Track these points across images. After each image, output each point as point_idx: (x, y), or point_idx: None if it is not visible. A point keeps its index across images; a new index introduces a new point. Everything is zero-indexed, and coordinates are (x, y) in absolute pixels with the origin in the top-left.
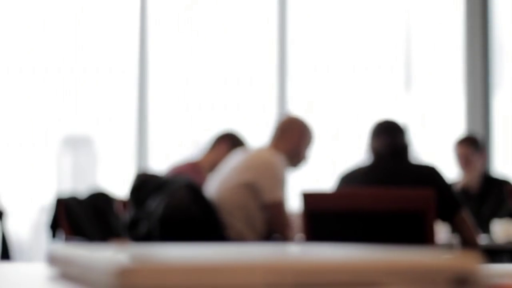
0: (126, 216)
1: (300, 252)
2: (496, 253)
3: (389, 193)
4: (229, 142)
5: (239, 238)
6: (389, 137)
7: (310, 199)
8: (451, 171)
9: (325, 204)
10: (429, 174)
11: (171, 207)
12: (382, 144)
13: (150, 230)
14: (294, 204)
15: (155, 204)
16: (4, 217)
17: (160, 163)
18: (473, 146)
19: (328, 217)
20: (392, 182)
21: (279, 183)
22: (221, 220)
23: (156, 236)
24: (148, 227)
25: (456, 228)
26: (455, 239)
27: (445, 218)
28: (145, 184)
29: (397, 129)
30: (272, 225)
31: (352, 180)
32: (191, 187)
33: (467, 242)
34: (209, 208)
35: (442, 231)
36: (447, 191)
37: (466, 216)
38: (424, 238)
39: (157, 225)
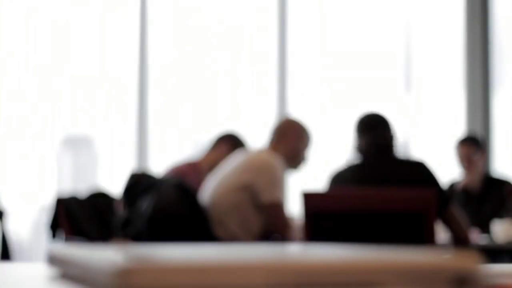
0: (120, 215)
1: (300, 252)
2: (496, 253)
3: (389, 194)
4: (230, 143)
5: (231, 238)
6: (372, 135)
7: (310, 199)
8: (451, 171)
9: (325, 204)
10: (418, 171)
11: (159, 207)
12: (366, 143)
13: (140, 230)
14: (294, 205)
15: (145, 204)
16: (4, 217)
17: (160, 163)
18: (475, 146)
19: (328, 217)
20: (380, 181)
21: (277, 184)
22: (210, 220)
23: (145, 236)
24: (137, 227)
25: (445, 223)
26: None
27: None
28: (138, 184)
29: (379, 124)
30: (272, 226)
31: (342, 180)
32: (180, 187)
33: (458, 237)
34: (197, 208)
35: (442, 231)
36: (436, 187)
37: (455, 211)
38: (425, 238)
39: (146, 225)
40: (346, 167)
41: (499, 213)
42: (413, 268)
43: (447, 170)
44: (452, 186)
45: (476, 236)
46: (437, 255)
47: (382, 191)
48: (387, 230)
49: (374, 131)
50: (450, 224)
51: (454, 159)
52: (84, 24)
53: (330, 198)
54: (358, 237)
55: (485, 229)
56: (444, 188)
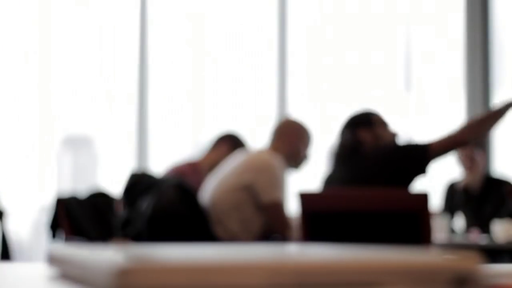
0: (120, 215)
1: (300, 253)
2: (496, 253)
3: (387, 194)
4: (230, 143)
5: (231, 238)
6: (341, 135)
7: (307, 199)
8: (452, 171)
9: (322, 204)
10: (387, 149)
11: (159, 207)
12: (338, 144)
13: (140, 229)
14: (293, 205)
15: (145, 204)
16: (4, 217)
17: (160, 163)
18: (477, 146)
19: (324, 217)
20: (362, 179)
21: (277, 184)
22: (210, 220)
23: (145, 235)
24: (137, 227)
25: (443, 152)
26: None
27: (427, 162)
28: (138, 184)
29: (346, 127)
30: (272, 226)
31: (330, 182)
32: (180, 187)
33: (456, 142)
34: (197, 208)
35: (438, 231)
36: (408, 147)
37: (435, 141)
38: (422, 238)
39: (146, 225)
40: (333, 168)
41: (499, 213)
42: (413, 268)
43: (447, 170)
44: (453, 186)
45: (476, 236)
46: (437, 255)
47: (379, 191)
48: (384, 230)
49: (341, 134)
50: (445, 147)
51: (454, 159)
52: (84, 24)
53: (327, 198)
54: (355, 237)
55: (485, 229)
56: (416, 143)
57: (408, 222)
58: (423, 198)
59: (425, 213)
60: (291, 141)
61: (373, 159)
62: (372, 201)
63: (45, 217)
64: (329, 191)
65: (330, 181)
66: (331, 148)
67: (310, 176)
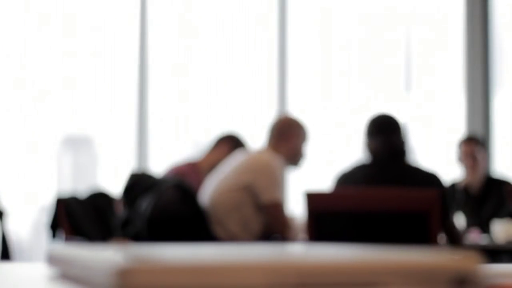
0: (119, 215)
1: (301, 252)
2: (496, 253)
3: (394, 194)
4: (230, 143)
5: (231, 238)
6: (385, 136)
7: (314, 199)
8: (451, 171)
9: (329, 204)
10: (430, 181)
11: (159, 207)
12: (379, 144)
13: (139, 230)
14: (296, 205)
15: (145, 204)
16: (4, 217)
17: (160, 163)
18: (479, 145)
19: (332, 217)
20: (391, 184)
21: (276, 184)
22: (210, 220)
23: (145, 236)
24: (137, 227)
25: (445, 230)
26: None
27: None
28: (137, 184)
29: (393, 127)
30: (271, 226)
31: (350, 180)
32: (180, 187)
33: (454, 243)
34: (197, 208)
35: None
36: (444, 200)
37: (453, 220)
38: (428, 238)
39: (145, 225)
40: (354, 167)
41: (499, 213)
42: (413, 268)
43: (447, 170)
44: (454, 186)
45: (476, 236)
46: (437, 255)
47: (386, 191)
48: (390, 230)
49: (388, 133)
50: (449, 233)
51: (455, 159)
52: (84, 24)
53: (333, 198)
54: (361, 237)
55: (485, 229)
56: (449, 200)
57: (415, 223)
58: (430, 199)
59: (432, 214)
60: (291, 140)
61: (411, 174)
62: (379, 201)
63: (45, 217)
64: (335, 190)
65: (355, 179)
66: (365, 147)
67: (310, 174)
